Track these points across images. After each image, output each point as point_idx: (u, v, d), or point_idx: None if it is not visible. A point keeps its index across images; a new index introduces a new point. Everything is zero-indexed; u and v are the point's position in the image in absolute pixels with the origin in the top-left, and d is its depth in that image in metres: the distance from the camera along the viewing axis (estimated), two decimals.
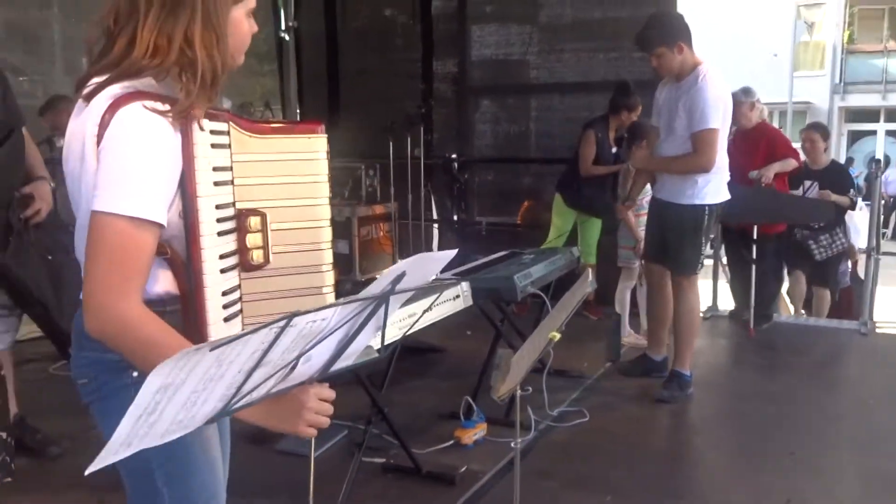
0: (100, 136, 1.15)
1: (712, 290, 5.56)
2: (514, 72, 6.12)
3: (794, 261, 5.41)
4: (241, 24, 1.29)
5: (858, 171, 12.98)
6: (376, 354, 1.19)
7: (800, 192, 5.24)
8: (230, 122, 1.29)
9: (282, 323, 0.86)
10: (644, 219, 4.16)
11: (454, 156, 6.21)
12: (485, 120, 6.34)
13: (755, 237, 4.88)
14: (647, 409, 3.68)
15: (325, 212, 1.40)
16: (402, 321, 2.13)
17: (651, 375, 3.99)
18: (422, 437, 3.19)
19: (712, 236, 4.33)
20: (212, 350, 0.80)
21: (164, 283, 1.24)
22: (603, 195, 4.97)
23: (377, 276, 1.04)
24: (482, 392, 3.21)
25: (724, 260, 5.53)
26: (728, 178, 3.72)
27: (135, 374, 1.21)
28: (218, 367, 0.84)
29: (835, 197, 5.11)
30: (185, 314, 1.24)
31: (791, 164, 4.93)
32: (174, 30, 1.19)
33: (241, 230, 1.30)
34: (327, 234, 1.40)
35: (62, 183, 1.31)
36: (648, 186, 4.12)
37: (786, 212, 5.04)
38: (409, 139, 5.77)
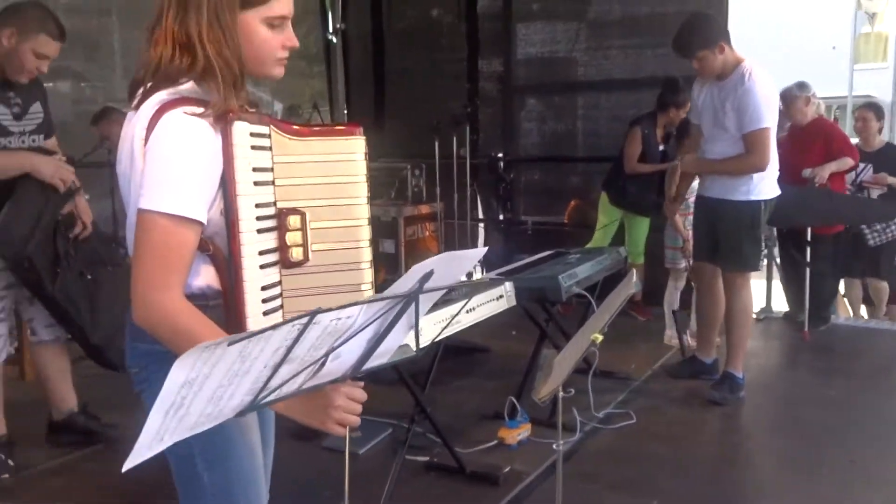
0: (146, 139, 1.23)
1: (766, 290, 5.41)
2: (560, 70, 6.07)
3: (849, 252, 5.19)
4: (257, 33, 1.30)
5: None
6: (413, 353, 1.19)
7: (853, 176, 5.05)
8: (271, 126, 1.33)
9: (304, 320, 0.88)
10: (690, 218, 4.08)
11: (500, 155, 6.18)
12: (531, 119, 6.30)
13: (809, 238, 4.72)
14: (695, 413, 3.60)
15: (364, 211, 1.43)
16: (442, 321, 2.13)
17: (700, 378, 3.90)
18: (465, 437, 3.18)
19: (765, 235, 4.22)
20: (230, 345, 0.82)
21: (206, 277, 1.31)
22: (648, 193, 4.87)
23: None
24: (526, 392, 3.19)
25: (778, 260, 5.37)
26: (778, 174, 3.62)
27: None
28: (242, 362, 0.86)
29: (891, 179, 4.91)
30: (226, 308, 1.30)
31: (848, 163, 4.74)
32: (189, 27, 1.25)
33: (281, 228, 1.34)
34: (366, 232, 1.44)
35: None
36: (695, 184, 4.03)
37: (841, 213, 4.84)
38: (454, 139, 5.77)
